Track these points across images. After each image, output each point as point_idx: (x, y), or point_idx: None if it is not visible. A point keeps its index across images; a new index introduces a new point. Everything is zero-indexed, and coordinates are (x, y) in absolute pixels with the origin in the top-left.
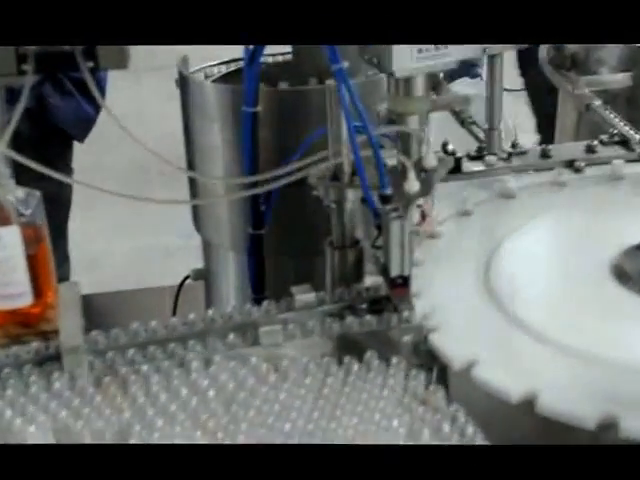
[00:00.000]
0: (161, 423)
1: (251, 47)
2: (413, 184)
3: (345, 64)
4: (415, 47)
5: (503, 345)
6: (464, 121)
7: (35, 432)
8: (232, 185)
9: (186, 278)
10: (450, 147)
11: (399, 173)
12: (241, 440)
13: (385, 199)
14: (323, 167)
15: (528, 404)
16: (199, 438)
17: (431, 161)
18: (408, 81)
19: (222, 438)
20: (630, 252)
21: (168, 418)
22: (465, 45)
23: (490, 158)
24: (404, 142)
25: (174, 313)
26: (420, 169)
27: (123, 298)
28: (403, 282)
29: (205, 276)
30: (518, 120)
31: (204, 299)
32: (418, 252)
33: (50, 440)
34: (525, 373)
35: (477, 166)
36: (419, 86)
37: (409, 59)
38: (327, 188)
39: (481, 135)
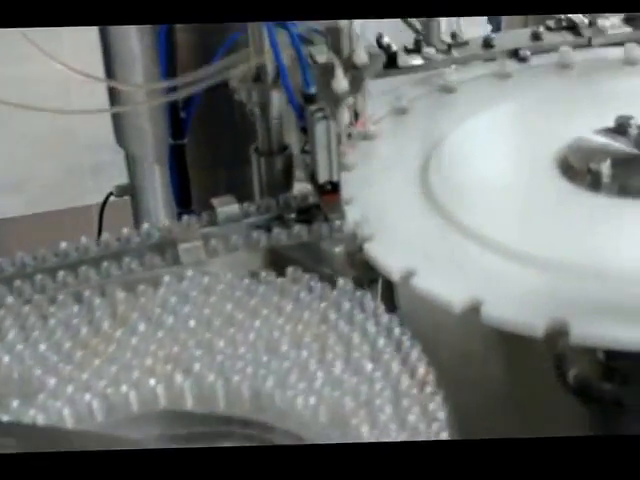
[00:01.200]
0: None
1: None
2: (341, 82)
3: None
4: None
5: (444, 252)
6: None
7: None
8: (152, 92)
9: (110, 195)
10: (385, 40)
11: (328, 71)
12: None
13: (309, 99)
14: (244, 68)
15: (472, 313)
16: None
17: (362, 57)
18: None
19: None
20: (577, 144)
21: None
22: None
23: (428, 51)
24: (333, 37)
25: (99, 233)
26: (350, 65)
27: (49, 219)
28: (332, 188)
29: (130, 192)
30: None
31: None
32: (350, 155)
33: None
34: (469, 280)
35: (414, 60)
36: None
37: None
38: (249, 90)
39: (418, 26)
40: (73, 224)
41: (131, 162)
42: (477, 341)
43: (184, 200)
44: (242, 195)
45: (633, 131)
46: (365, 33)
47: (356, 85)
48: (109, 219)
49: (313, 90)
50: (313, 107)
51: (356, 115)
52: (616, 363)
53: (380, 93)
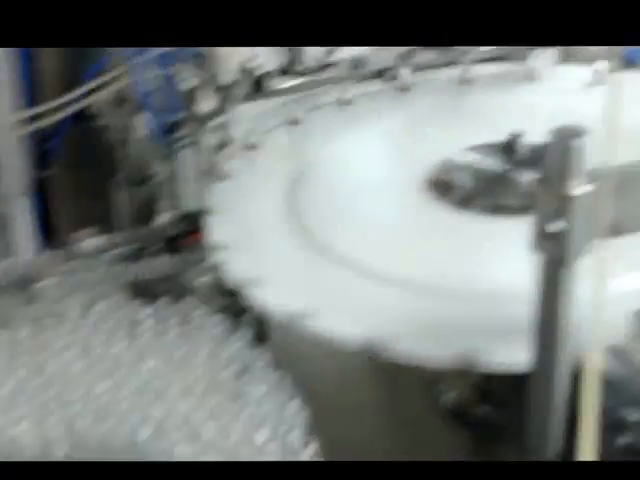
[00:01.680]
0: None
1: None
2: (207, 104)
3: None
4: None
5: (320, 284)
6: None
7: None
8: (14, 124)
9: None
10: (255, 62)
11: (194, 93)
12: None
13: (173, 126)
14: (107, 93)
15: (360, 349)
16: None
17: (228, 77)
18: None
19: None
20: (447, 162)
21: None
22: None
23: (299, 72)
24: (199, 58)
25: None
26: (217, 87)
27: None
28: (199, 217)
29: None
30: None
31: None
32: (216, 186)
33: None
34: (345, 310)
35: (284, 82)
36: None
37: None
38: (112, 116)
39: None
40: None
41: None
42: (351, 370)
43: (50, 232)
44: (108, 226)
45: (519, 149)
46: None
47: (222, 107)
48: None
49: (177, 116)
50: (177, 134)
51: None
52: (491, 386)
53: (251, 116)
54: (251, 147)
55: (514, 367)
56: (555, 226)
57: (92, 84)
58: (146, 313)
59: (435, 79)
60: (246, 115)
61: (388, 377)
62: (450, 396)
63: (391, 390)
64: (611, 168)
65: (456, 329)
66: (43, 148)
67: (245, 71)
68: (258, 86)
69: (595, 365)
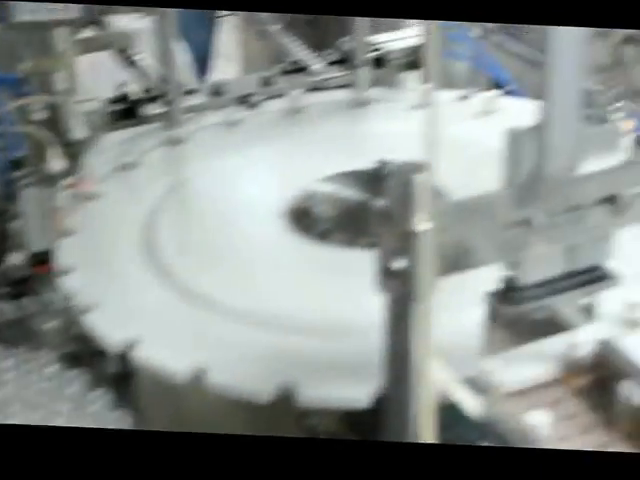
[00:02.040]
0: None
1: None
2: (57, 162)
3: None
4: None
5: (168, 318)
6: (127, 60)
7: None
8: None
9: None
10: (127, 89)
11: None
12: None
13: (16, 164)
14: None
15: (197, 381)
16: None
17: (79, 132)
18: (43, 36)
19: None
20: (305, 193)
21: None
22: None
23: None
24: (52, 112)
25: None
26: (66, 142)
27: None
28: (46, 258)
29: None
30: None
31: None
32: (72, 218)
33: None
34: (192, 347)
35: (150, 109)
36: (61, 40)
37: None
38: None
39: (147, 73)
40: None
41: None
42: (207, 407)
43: None
44: None
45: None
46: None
47: (74, 164)
48: None
49: (20, 153)
50: (21, 172)
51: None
52: (354, 418)
53: (109, 147)
54: (127, 167)
55: (344, 402)
56: (399, 263)
57: None
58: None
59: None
60: (114, 141)
61: (241, 413)
62: (315, 428)
63: (249, 426)
64: (449, 203)
65: (283, 363)
66: None
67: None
68: (129, 113)
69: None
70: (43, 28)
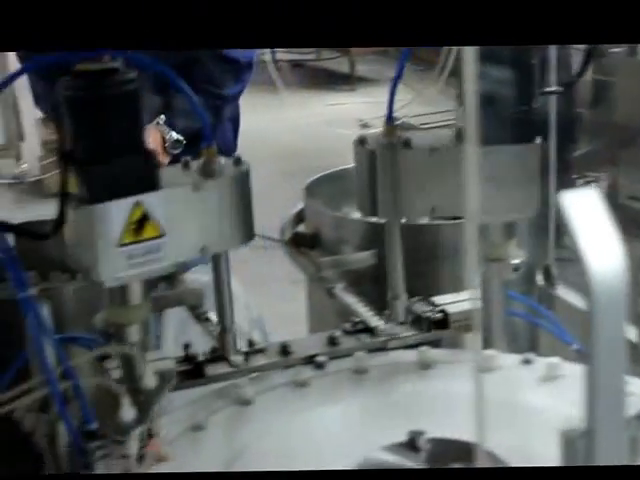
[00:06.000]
0: None
1: None
2: (127, 412)
3: (31, 292)
4: (125, 253)
5: None
6: (199, 317)
7: None
8: None
9: None
10: (191, 350)
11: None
12: None
13: (90, 435)
14: (29, 400)
15: None
16: None
17: (149, 381)
18: (123, 289)
19: None
20: (366, 464)
21: None
22: (181, 246)
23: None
24: (124, 359)
25: None
26: (138, 390)
27: None
28: None
29: None
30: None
31: None
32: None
33: None
34: None
35: (215, 369)
36: (135, 293)
37: (120, 267)
38: (35, 422)
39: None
40: None
41: None
42: None
43: None
44: None
45: (424, 446)
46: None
47: (145, 412)
48: None
49: (93, 426)
50: (94, 444)
51: (149, 434)
52: None
53: (177, 407)
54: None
55: None
56: None
57: (15, 390)
58: None
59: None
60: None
61: None
62: None
63: None
64: None
65: None
66: None
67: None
68: (197, 373)
69: None
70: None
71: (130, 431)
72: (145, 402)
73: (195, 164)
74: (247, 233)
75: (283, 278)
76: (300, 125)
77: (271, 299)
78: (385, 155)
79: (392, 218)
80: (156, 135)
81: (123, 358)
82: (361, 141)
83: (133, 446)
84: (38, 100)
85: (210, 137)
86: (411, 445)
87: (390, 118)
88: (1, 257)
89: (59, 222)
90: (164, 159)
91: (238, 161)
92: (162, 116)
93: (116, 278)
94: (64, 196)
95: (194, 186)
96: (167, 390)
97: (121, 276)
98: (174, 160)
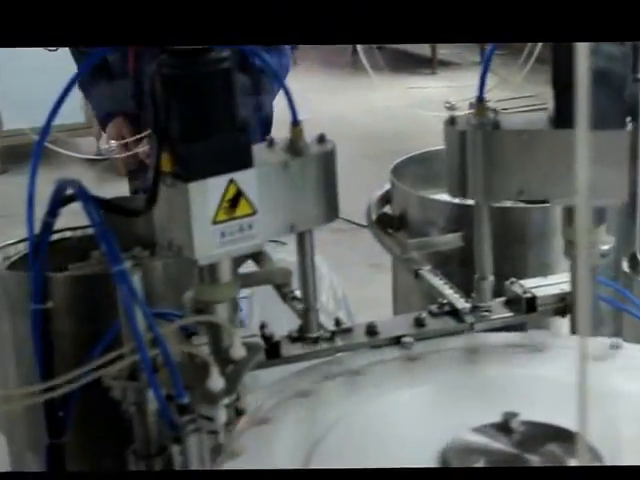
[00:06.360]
0: None
1: (35, 236)
2: (217, 382)
3: (127, 264)
4: (218, 231)
5: None
6: (286, 296)
7: None
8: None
9: None
10: (268, 330)
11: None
12: None
13: (182, 409)
14: (119, 366)
15: None
16: None
17: (239, 352)
18: (213, 267)
19: None
20: (456, 443)
21: None
22: (272, 224)
23: (312, 339)
24: (213, 332)
25: None
26: (228, 360)
27: None
28: None
29: None
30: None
31: None
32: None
33: None
34: None
35: (298, 348)
36: (225, 271)
37: (213, 245)
38: (124, 389)
39: (299, 307)
40: None
41: (10, 448)
42: None
43: None
44: None
45: (517, 428)
46: (251, 323)
47: (234, 381)
48: None
49: (185, 400)
50: (186, 418)
51: (238, 410)
52: None
53: (266, 383)
54: (262, 421)
55: None
56: None
57: (105, 357)
58: None
59: (445, 349)
60: (259, 383)
61: None
62: None
63: None
64: None
65: None
66: (55, 416)
67: (262, 337)
68: (273, 353)
69: None
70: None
71: (219, 401)
72: (234, 372)
73: (281, 143)
74: (332, 211)
75: (361, 262)
76: (382, 107)
77: (350, 282)
78: (475, 136)
79: (481, 199)
80: None
81: (212, 328)
82: (451, 122)
83: (222, 416)
84: (101, 103)
85: (296, 116)
86: (504, 426)
87: (481, 99)
88: (96, 231)
89: (151, 199)
90: None
91: (322, 139)
92: None
93: (209, 256)
94: (157, 174)
95: (283, 164)
96: (255, 362)
97: (214, 254)
98: None
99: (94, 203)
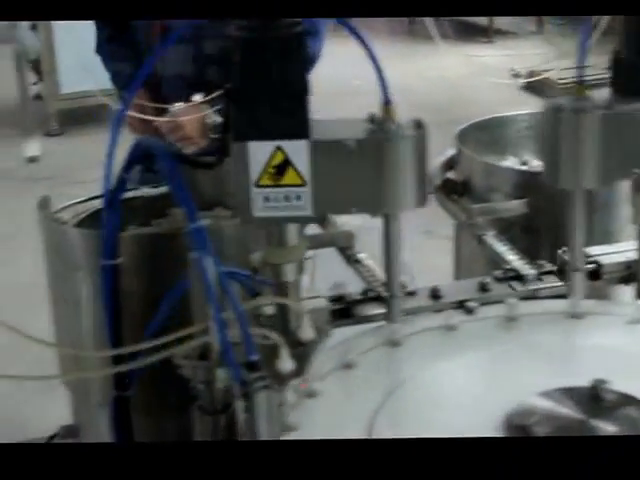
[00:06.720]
0: None
1: (111, 188)
2: (286, 363)
3: (204, 222)
4: (261, 195)
5: None
6: (349, 258)
7: None
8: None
9: (54, 436)
10: (340, 291)
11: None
12: None
13: (251, 366)
14: (189, 346)
15: None
16: None
17: (307, 333)
18: (281, 229)
19: None
20: (522, 407)
21: None
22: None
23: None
24: (280, 312)
25: None
26: (297, 342)
27: None
28: None
29: (75, 434)
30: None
31: None
32: (293, 415)
33: None
34: None
35: (369, 309)
36: (292, 234)
37: (254, 207)
38: (195, 369)
39: (367, 274)
40: None
41: (76, 403)
42: None
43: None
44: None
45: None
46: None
47: (302, 365)
48: None
49: (255, 357)
50: (255, 375)
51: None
52: None
53: (327, 346)
54: (346, 366)
55: None
56: None
57: (174, 335)
58: None
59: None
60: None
61: None
62: None
63: None
64: None
65: None
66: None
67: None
68: (345, 313)
69: None
70: (277, 223)
71: (289, 380)
72: (303, 354)
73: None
74: (421, 197)
75: (414, 229)
76: (439, 76)
77: (405, 249)
78: (591, 119)
79: (596, 186)
80: (196, 116)
81: (281, 310)
82: (556, 108)
83: (290, 398)
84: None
85: (388, 94)
86: (593, 393)
87: (581, 80)
88: (174, 190)
89: (222, 153)
90: (202, 142)
91: (419, 125)
92: (198, 97)
93: (250, 218)
94: (226, 128)
95: (355, 142)
96: (323, 345)
97: (255, 217)
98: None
99: (172, 160)
